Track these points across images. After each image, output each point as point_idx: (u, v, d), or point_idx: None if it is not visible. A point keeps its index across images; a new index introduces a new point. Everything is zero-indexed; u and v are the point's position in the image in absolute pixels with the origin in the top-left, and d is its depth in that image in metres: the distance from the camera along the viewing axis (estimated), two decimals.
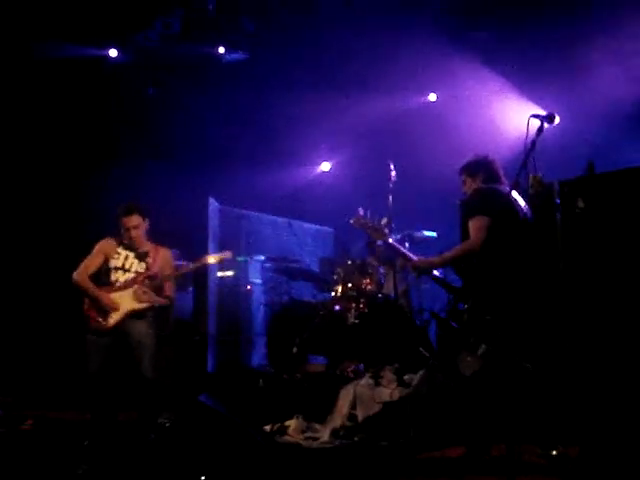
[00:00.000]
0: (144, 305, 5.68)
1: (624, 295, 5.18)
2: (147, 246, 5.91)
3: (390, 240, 5.67)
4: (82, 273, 5.77)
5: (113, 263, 5.79)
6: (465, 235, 4.97)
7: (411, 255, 5.46)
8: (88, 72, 9.23)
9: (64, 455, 5.42)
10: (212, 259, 6.07)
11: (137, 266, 5.81)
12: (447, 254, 5.14)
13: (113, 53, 9.53)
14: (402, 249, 5.67)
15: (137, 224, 5.80)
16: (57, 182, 9.20)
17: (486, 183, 5.14)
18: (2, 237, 8.82)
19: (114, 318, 5.61)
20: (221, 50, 9.61)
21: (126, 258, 5.81)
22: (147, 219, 5.89)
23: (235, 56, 9.64)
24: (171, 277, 5.89)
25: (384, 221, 6.56)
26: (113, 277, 5.76)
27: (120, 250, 5.83)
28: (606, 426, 4.76)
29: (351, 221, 5.96)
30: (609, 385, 5.04)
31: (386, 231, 5.76)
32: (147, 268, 5.80)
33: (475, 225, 4.88)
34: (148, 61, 9.56)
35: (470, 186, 5.22)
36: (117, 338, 5.63)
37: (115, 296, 5.67)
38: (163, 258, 5.91)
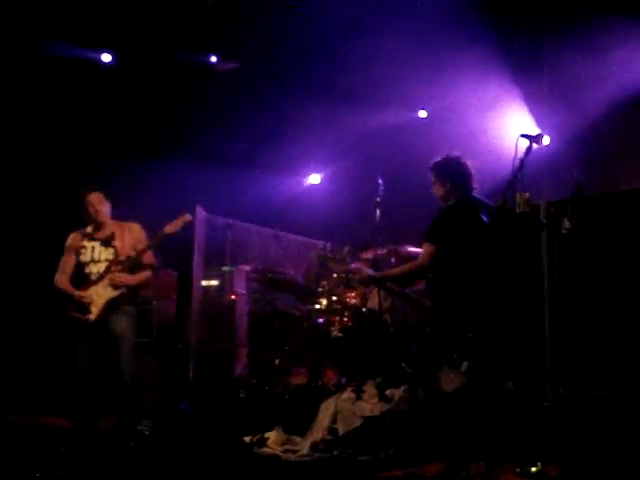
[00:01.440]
0: (121, 291, 5.68)
1: (608, 315, 5.20)
2: (112, 226, 5.90)
3: (352, 266, 5.81)
4: (59, 276, 5.83)
5: (82, 258, 5.80)
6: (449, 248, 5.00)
7: (362, 269, 5.57)
8: (81, 75, 9.23)
9: (41, 461, 5.36)
10: (172, 227, 5.93)
11: (105, 253, 5.79)
12: (394, 270, 5.30)
13: (106, 58, 9.53)
14: (359, 266, 5.78)
15: (100, 200, 5.85)
16: (45, 188, 9.17)
17: (453, 193, 5.17)
18: None
19: (94, 312, 5.62)
20: (213, 59, 9.63)
21: (93, 250, 5.81)
22: (109, 201, 5.92)
23: (227, 65, 9.65)
24: (145, 250, 5.84)
25: (346, 250, 6.65)
26: (87, 270, 5.77)
27: (85, 243, 5.84)
28: (587, 445, 4.76)
29: (312, 254, 6.05)
30: (591, 403, 5.06)
31: (348, 259, 5.87)
32: (115, 253, 5.78)
33: (424, 250, 5.12)
34: (140, 67, 9.56)
35: (437, 190, 5.27)
36: (100, 334, 5.60)
37: (91, 290, 5.68)
38: (131, 233, 5.90)
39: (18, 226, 9.02)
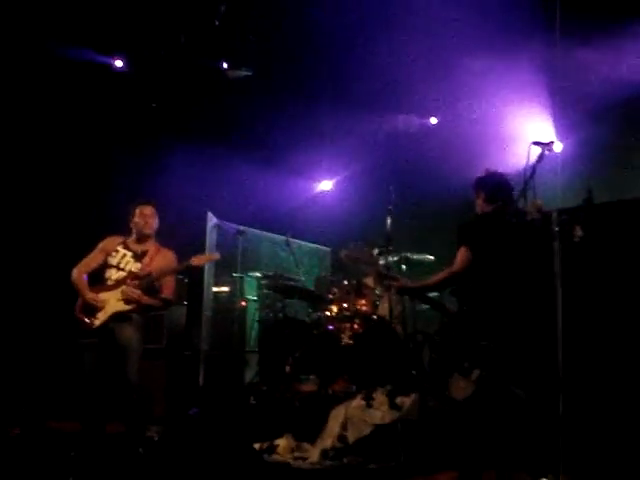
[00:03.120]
0: (130, 307, 5.63)
1: (621, 324, 5.17)
2: (150, 245, 5.91)
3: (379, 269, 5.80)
4: (79, 269, 5.77)
5: (110, 260, 5.78)
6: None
7: (400, 278, 5.55)
8: (93, 79, 9.27)
9: (52, 465, 5.37)
10: (199, 260, 5.93)
11: (132, 266, 5.76)
12: (430, 279, 5.27)
13: (118, 63, 9.58)
14: (390, 273, 5.76)
15: (152, 213, 5.89)
16: (58, 193, 9.20)
17: (488, 203, 5.17)
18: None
19: (100, 319, 5.57)
20: (225, 65, 9.66)
21: (123, 257, 5.79)
22: (157, 219, 5.95)
23: (239, 72, 9.68)
24: (165, 275, 5.80)
25: (375, 251, 6.64)
26: (107, 274, 5.75)
27: (119, 248, 5.82)
28: (599, 455, 4.73)
29: (342, 255, 6.02)
30: (603, 415, 5.02)
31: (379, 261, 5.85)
32: (140, 268, 5.76)
33: (460, 254, 5.05)
34: (153, 73, 9.60)
35: (477, 204, 5.27)
36: (104, 340, 5.58)
37: (102, 295, 5.63)
38: (163, 258, 5.88)
39: (34, 230, 9.02)
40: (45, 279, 8.41)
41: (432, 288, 5.62)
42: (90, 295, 5.62)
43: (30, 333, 8.55)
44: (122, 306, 5.61)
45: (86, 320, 5.58)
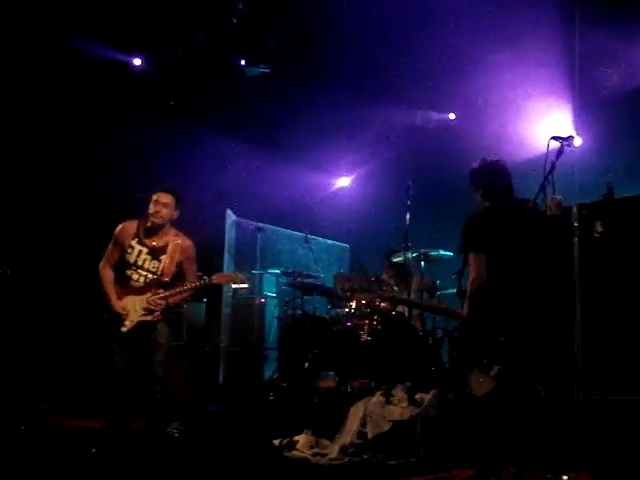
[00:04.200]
0: (155, 318, 5.58)
1: None
2: (168, 236, 5.73)
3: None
4: (105, 265, 5.71)
5: (127, 258, 5.65)
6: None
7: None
8: (111, 78, 9.33)
9: (72, 461, 5.41)
10: (221, 279, 5.91)
11: (150, 264, 5.65)
12: (467, 305, 5.01)
13: (137, 62, 9.64)
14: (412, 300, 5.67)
15: (168, 202, 5.68)
16: (73, 186, 9.28)
17: (486, 198, 5.05)
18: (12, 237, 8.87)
19: (127, 325, 5.54)
20: (243, 62, 9.69)
21: (139, 254, 5.65)
22: (179, 209, 5.77)
23: (258, 69, 9.69)
24: (191, 291, 5.75)
25: (372, 277, 6.64)
26: (127, 272, 5.65)
27: (134, 244, 5.66)
28: (618, 452, 4.70)
29: (336, 287, 5.93)
30: (623, 409, 4.99)
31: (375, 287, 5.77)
32: (161, 269, 5.65)
33: (474, 262, 4.85)
34: (171, 72, 9.63)
35: (476, 200, 5.15)
36: (135, 339, 5.57)
37: (128, 301, 5.58)
38: (182, 251, 5.72)
39: (58, 229, 9.09)
40: (67, 272, 8.47)
41: (471, 313, 5.05)
42: (116, 307, 5.55)
43: (56, 330, 8.62)
44: (148, 317, 5.57)
45: (115, 326, 5.54)
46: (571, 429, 4.86)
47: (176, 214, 5.78)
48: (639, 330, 5.10)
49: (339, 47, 9.20)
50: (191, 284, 5.71)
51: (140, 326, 5.57)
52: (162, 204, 5.66)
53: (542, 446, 4.59)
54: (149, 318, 5.58)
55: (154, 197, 5.69)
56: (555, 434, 4.75)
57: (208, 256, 7.91)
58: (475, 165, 5.16)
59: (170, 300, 5.66)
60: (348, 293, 7.34)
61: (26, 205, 8.98)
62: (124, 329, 5.54)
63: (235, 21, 9.05)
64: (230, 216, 9.09)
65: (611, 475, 4.52)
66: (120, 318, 5.54)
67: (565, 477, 4.53)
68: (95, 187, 9.27)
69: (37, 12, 8.52)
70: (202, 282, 5.75)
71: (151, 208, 5.67)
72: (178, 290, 5.67)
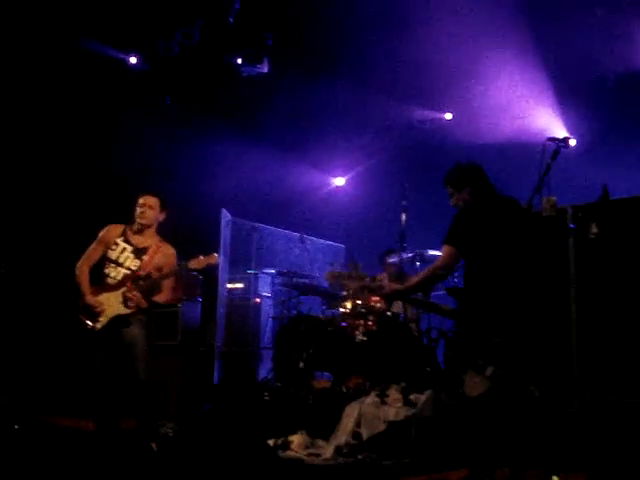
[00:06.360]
0: (130, 310, 5.58)
1: (636, 321, 5.14)
2: (151, 239, 5.81)
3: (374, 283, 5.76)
4: (82, 265, 5.73)
5: (109, 254, 5.70)
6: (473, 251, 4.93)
7: (385, 286, 5.54)
8: (107, 76, 9.32)
9: (65, 461, 5.40)
10: (197, 264, 5.83)
11: (131, 262, 5.68)
12: (414, 279, 5.20)
13: (133, 60, 9.63)
14: (382, 282, 5.74)
15: (153, 205, 5.78)
16: (63, 188, 9.26)
17: (474, 196, 5.07)
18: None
19: (101, 322, 5.54)
20: (239, 62, 9.68)
21: (122, 251, 5.71)
22: (164, 212, 5.85)
23: (253, 68, 9.68)
24: (167, 276, 5.74)
25: (360, 266, 6.64)
26: (106, 270, 5.68)
27: (119, 241, 5.73)
28: (613, 453, 4.70)
29: (325, 276, 5.99)
30: (618, 410, 5.00)
31: (363, 274, 5.80)
32: (140, 267, 5.69)
33: (442, 252, 4.96)
34: (166, 70, 9.63)
35: (457, 200, 5.12)
36: (109, 341, 5.56)
37: (103, 297, 5.58)
38: (164, 256, 5.79)
39: (40, 221, 9.06)
40: (51, 271, 8.45)
41: (416, 288, 5.44)
42: (91, 299, 5.56)
43: (38, 328, 8.60)
44: (123, 309, 5.58)
45: (88, 322, 5.55)
46: (565, 430, 4.86)
47: (161, 217, 5.87)
48: (634, 332, 5.11)
49: (335, 47, 9.21)
50: (166, 271, 5.74)
51: (115, 321, 5.56)
52: (148, 206, 5.77)
53: (536, 447, 4.59)
54: (125, 311, 5.57)
55: (140, 200, 5.79)
56: (549, 435, 4.75)
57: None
58: (452, 168, 5.18)
59: (150, 297, 5.66)
60: (346, 293, 7.35)
61: (18, 205, 8.95)
62: (98, 325, 5.54)
63: (231, 20, 9.04)
64: (226, 216, 9.07)
65: (606, 475, 4.52)
66: (94, 313, 5.54)
67: (558, 478, 4.53)
68: (89, 186, 9.25)
69: (36, 10, 8.52)
70: (178, 268, 5.80)
71: (137, 210, 5.77)
72: (153, 279, 5.68)
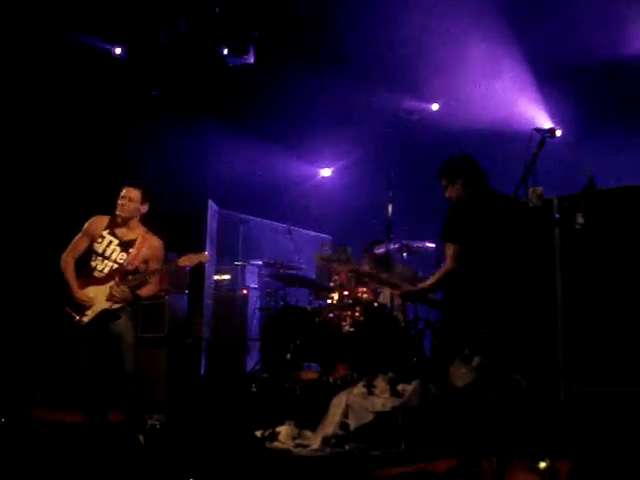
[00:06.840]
0: (118, 306, 5.56)
1: (621, 311, 5.17)
2: (136, 231, 5.75)
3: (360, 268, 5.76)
4: (67, 256, 5.68)
5: (95, 247, 5.65)
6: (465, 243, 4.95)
7: (401, 285, 5.54)
8: (92, 66, 9.26)
9: (50, 455, 5.38)
10: (187, 261, 5.82)
11: (117, 255, 5.63)
12: (427, 282, 5.23)
13: (118, 50, 9.58)
14: (399, 281, 5.75)
15: (134, 197, 5.69)
16: (51, 182, 9.19)
17: (466, 188, 5.10)
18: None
19: (88, 315, 5.51)
20: (225, 52, 9.63)
21: (108, 244, 5.65)
22: (147, 203, 5.77)
23: (239, 59, 9.64)
24: (155, 273, 5.72)
25: (349, 250, 6.63)
26: (93, 263, 5.63)
27: (105, 234, 5.68)
28: (599, 441, 4.73)
29: (314, 258, 5.99)
30: (604, 399, 5.03)
31: (352, 259, 5.81)
32: (128, 261, 5.65)
33: (448, 252, 4.99)
34: (152, 61, 9.57)
35: (451, 192, 5.16)
36: (97, 333, 5.54)
37: (90, 291, 5.55)
38: (150, 248, 5.73)
39: (27, 213, 9.00)
40: (36, 263, 8.40)
41: (431, 290, 5.46)
42: (80, 294, 5.53)
43: (25, 321, 8.55)
44: (110, 304, 5.55)
45: (75, 316, 5.52)
46: (552, 419, 4.89)
47: (144, 209, 5.79)
48: (620, 322, 5.14)
49: (322, 38, 9.18)
50: (154, 266, 5.71)
51: (103, 315, 5.54)
52: (128, 198, 5.68)
53: (523, 436, 4.61)
54: (113, 307, 5.54)
55: (122, 192, 5.72)
56: (536, 424, 4.77)
57: (190, 247, 7.89)
58: (455, 155, 5.21)
59: (137, 291, 5.64)
60: (333, 284, 7.35)
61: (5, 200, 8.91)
62: (85, 319, 5.51)
63: (217, 10, 9.00)
64: (212, 207, 9.04)
65: (592, 463, 4.55)
66: (81, 307, 5.52)
67: (543, 464, 4.55)
68: (74, 176, 9.19)
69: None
70: (167, 265, 5.79)
71: (118, 207, 5.70)
72: (142, 275, 5.65)
